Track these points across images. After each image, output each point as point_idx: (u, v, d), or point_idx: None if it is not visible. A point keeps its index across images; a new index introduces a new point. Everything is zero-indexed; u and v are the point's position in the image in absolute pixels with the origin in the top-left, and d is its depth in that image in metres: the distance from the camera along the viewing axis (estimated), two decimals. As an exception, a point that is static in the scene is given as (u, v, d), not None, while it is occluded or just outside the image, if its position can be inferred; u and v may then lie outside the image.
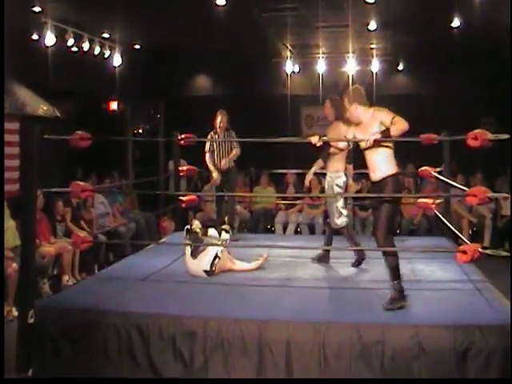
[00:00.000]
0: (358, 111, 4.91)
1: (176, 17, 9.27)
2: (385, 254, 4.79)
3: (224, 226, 6.12)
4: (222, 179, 7.61)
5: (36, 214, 4.85)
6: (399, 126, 4.64)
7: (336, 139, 5.81)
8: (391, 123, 4.66)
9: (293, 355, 4.21)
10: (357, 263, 6.07)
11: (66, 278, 7.44)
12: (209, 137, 7.59)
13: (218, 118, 7.55)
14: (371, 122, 4.82)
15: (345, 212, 6.20)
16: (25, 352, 4.41)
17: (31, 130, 4.64)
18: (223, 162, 7.53)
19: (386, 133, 4.67)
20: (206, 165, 7.71)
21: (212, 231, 5.93)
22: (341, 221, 6.15)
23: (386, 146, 4.77)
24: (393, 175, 4.76)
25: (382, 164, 4.77)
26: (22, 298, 4.59)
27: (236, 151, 7.59)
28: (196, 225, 5.86)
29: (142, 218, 9.79)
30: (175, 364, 4.35)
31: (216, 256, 5.65)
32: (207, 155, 7.64)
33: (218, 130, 7.55)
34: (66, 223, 8.00)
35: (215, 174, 7.57)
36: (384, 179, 4.77)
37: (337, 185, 6.11)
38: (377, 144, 4.71)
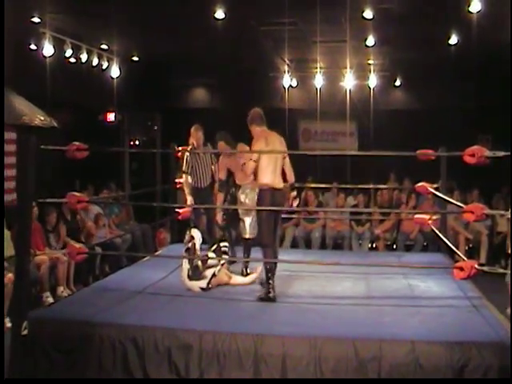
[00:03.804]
0: (253, 131, 5.64)
1: (174, 30, 9.30)
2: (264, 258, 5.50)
3: (223, 248, 6.09)
4: (200, 196, 7.23)
5: (31, 224, 4.82)
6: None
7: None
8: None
9: (288, 370, 4.18)
10: (246, 273, 6.16)
11: (60, 289, 7.40)
12: (187, 157, 7.16)
13: (197, 135, 7.13)
14: None
15: (250, 223, 6.31)
16: (18, 364, 4.36)
17: (28, 140, 4.63)
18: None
19: None
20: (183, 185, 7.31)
21: (211, 255, 5.93)
22: (248, 231, 6.32)
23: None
24: (261, 190, 5.51)
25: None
26: (16, 309, 4.55)
27: (216, 167, 7.16)
28: (196, 255, 5.83)
29: (138, 229, 9.76)
30: (170, 377, 4.30)
31: (213, 275, 5.64)
32: (185, 177, 7.20)
33: (197, 146, 7.12)
34: (60, 234, 7.95)
35: (189, 199, 7.21)
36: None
37: (245, 196, 6.33)
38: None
